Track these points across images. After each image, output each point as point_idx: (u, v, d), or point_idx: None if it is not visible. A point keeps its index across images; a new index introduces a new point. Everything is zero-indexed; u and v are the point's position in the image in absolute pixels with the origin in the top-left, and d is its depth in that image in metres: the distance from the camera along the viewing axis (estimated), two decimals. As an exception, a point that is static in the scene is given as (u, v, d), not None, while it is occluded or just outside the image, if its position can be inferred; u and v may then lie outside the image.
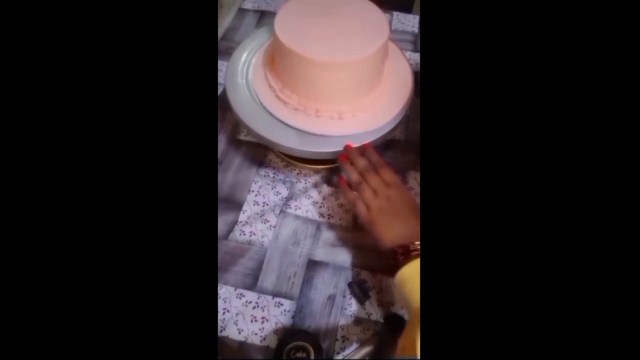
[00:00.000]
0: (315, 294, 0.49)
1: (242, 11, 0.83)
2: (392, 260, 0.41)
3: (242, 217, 0.55)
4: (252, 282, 0.49)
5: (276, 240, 0.53)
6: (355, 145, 0.49)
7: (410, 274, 0.39)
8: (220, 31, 0.78)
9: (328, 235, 0.54)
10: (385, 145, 0.62)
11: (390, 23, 0.82)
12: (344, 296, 0.49)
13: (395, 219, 0.43)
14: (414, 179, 0.59)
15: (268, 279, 0.50)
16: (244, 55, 0.58)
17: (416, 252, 0.40)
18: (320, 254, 0.52)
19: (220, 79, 0.67)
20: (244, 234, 0.53)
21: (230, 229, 0.53)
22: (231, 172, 0.59)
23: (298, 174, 0.60)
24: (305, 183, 0.59)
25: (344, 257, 0.52)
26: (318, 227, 0.54)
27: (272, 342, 0.45)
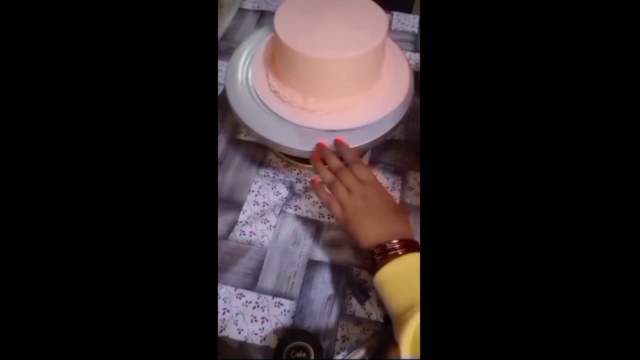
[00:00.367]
0: (315, 294, 0.49)
1: (242, 11, 0.83)
2: (370, 260, 0.40)
3: (242, 217, 0.55)
4: (252, 282, 0.49)
5: (276, 240, 0.53)
6: (328, 143, 0.48)
7: (389, 276, 0.38)
8: (220, 31, 0.78)
9: (328, 235, 0.54)
10: (385, 145, 0.62)
11: (390, 23, 0.82)
12: (344, 296, 0.49)
13: (372, 217, 0.42)
14: (414, 179, 0.59)
15: (268, 279, 0.50)
16: (244, 55, 0.58)
17: (393, 252, 0.39)
18: (320, 254, 0.52)
19: (220, 79, 0.67)
20: (244, 234, 0.53)
21: (230, 229, 0.53)
22: (231, 172, 0.59)
23: (298, 174, 0.60)
24: (305, 183, 0.59)
25: (344, 257, 0.52)
26: (318, 227, 0.54)
27: (272, 342, 0.45)
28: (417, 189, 0.58)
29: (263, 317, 0.47)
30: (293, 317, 0.47)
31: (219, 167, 0.60)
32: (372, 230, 0.41)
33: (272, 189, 0.58)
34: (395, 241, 0.40)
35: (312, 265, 0.51)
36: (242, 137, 0.63)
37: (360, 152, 0.53)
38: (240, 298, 0.48)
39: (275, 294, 0.49)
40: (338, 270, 0.51)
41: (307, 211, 0.56)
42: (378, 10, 0.50)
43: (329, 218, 0.55)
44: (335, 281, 0.50)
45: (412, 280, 0.37)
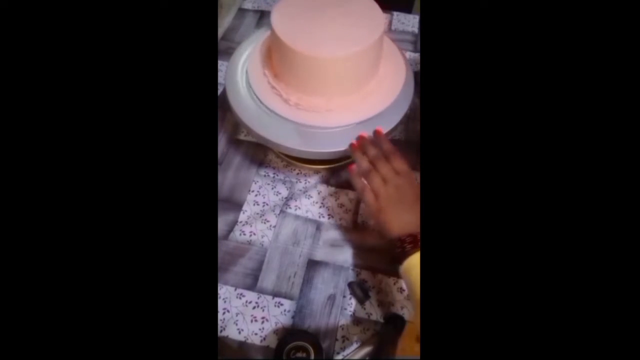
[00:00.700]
0: (315, 294, 0.49)
1: (242, 11, 0.83)
2: (399, 249, 0.40)
3: (242, 217, 0.55)
4: (252, 282, 0.49)
5: (276, 240, 0.53)
6: (368, 134, 0.49)
7: (418, 263, 0.38)
8: (220, 31, 0.78)
9: (328, 235, 0.54)
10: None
11: (390, 23, 0.82)
12: (344, 296, 0.49)
13: (404, 207, 0.43)
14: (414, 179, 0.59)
15: (268, 279, 0.50)
16: (244, 56, 0.58)
17: None
18: (320, 254, 0.52)
19: (220, 79, 0.67)
20: (244, 234, 0.53)
21: (230, 229, 0.53)
22: (231, 172, 0.59)
23: (298, 174, 0.60)
24: (305, 183, 0.59)
25: (344, 257, 0.52)
26: (318, 227, 0.54)
27: (272, 342, 0.45)
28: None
29: (263, 317, 0.47)
30: (293, 317, 0.47)
31: (219, 167, 0.60)
32: (404, 219, 0.42)
33: (272, 189, 0.58)
34: None
35: (312, 265, 0.51)
36: (242, 137, 0.63)
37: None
38: (240, 298, 0.48)
39: (275, 294, 0.49)
40: (338, 270, 0.51)
41: (307, 211, 0.56)
42: (375, 7, 0.51)
43: (329, 218, 0.55)
44: (335, 281, 0.50)
45: None
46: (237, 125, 0.64)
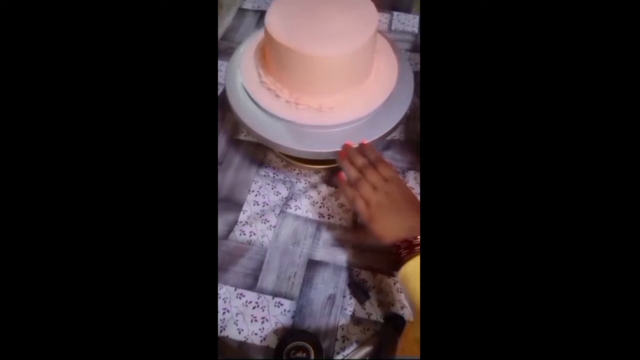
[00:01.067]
0: (315, 294, 0.49)
1: (242, 11, 0.83)
2: (395, 255, 0.41)
3: (242, 217, 0.55)
4: (252, 282, 0.49)
5: (276, 240, 0.53)
6: (354, 143, 0.49)
7: (414, 270, 0.39)
8: (220, 31, 0.79)
9: (328, 235, 0.54)
10: (386, 145, 0.62)
11: (390, 23, 0.82)
12: (344, 296, 0.49)
13: (396, 213, 0.43)
14: (414, 179, 0.59)
15: (268, 279, 0.50)
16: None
17: (419, 247, 0.39)
18: (320, 254, 0.52)
19: (220, 79, 0.67)
20: (244, 234, 0.53)
21: (230, 229, 0.54)
22: (231, 172, 0.59)
23: (298, 174, 0.60)
24: (305, 183, 0.59)
25: (344, 257, 0.52)
26: (318, 227, 0.54)
27: (272, 342, 0.45)
28: (417, 189, 0.58)
29: (263, 317, 0.47)
30: (293, 317, 0.47)
31: (219, 167, 0.60)
32: (397, 226, 0.42)
33: (272, 189, 0.58)
34: (420, 237, 0.40)
35: (312, 265, 0.51)
36: (242, 137, 0.63)
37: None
38: (240, 298, 0.48)
39: (275, 294, 0.49)
40: (338, 270, 0.51)
41: (307, 211, 0.56)
42: (369, 5, 0.51)
43: (329, 218, 0.55)
44: (335, 281, 0.50)
45: None
46: (237, 125, 0.64)
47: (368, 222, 0.44)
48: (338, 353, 0.45)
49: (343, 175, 0.48)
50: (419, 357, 0.32)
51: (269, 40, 0.49)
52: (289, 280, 0.50)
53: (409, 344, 0.37)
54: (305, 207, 0.56)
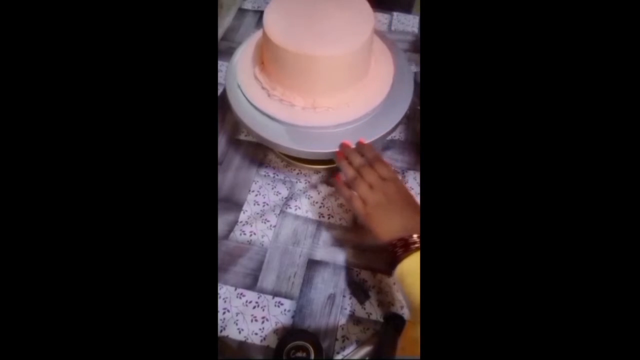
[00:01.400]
0: (315, 293, 0.49)
1: (242, 11, 0.83)
2: (391, 254, 0.41)
3: (242, 217, 0.55)
4: (252, 282, 0.49)
5: (276, 240, 0.53)
6: (351, 142, 0.49)
7: (410, 268, 0.39)
8: (220, 31, 0.79)
9: (328, 235, 0.54)
10: (385, 145, 0.62)
11: (390, 23, 0.82)
12: (344, 296, 0.49)
13: (393, 212, 0.43)
14: (414, 179, 0.59)
15: (268, 279, 0.50)
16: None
17: (415, 246, 0.40)
18: (320, 254, 0.52)
19: (220, 79, 0.67)
20: (244, 234, 0.53)
21: (231, 229, 0.54)
22: (231, 172, 0.59)
23: (298, 174, 0.60)
24: (305, 183, 0.59)
25: (344, 257, 0.52)
26: (318, 227, 0.54)
27: (272, 342, 0.45)
28: (417, 189, 0.58)
29: (263, 317, 0.47)
30: (293, 317, 0.47)
31: (219, 167, 0.60)
32: (393, 224, 0.42)
33: (272, 189, 0.58)
34: (416, 235, 0.40)
35: (312, 265, 0.51)
36: (242, 137, 0.63)
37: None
38: (240, 298, 0.48)
39: (275, 294, 0.49)
40: (338, 270, 0.51)
41: (307, 211, 0.56)
42: (365, 5, 0.51)
43: (329, 218, 0.55)
44: (335, 281, 0.50)
45: None
46: (237, 125, 0.64)
47: (365, 220, 0.44)
48: (338, 353, 0.45)
49: (340, 176, 0.48)
50: (419, 357, 0.32)
51: (266, 40, 0.49)
52: (289, 280, 0.50)
53: (409, 343, 0.37)
54: (305, 207, 0.56)
